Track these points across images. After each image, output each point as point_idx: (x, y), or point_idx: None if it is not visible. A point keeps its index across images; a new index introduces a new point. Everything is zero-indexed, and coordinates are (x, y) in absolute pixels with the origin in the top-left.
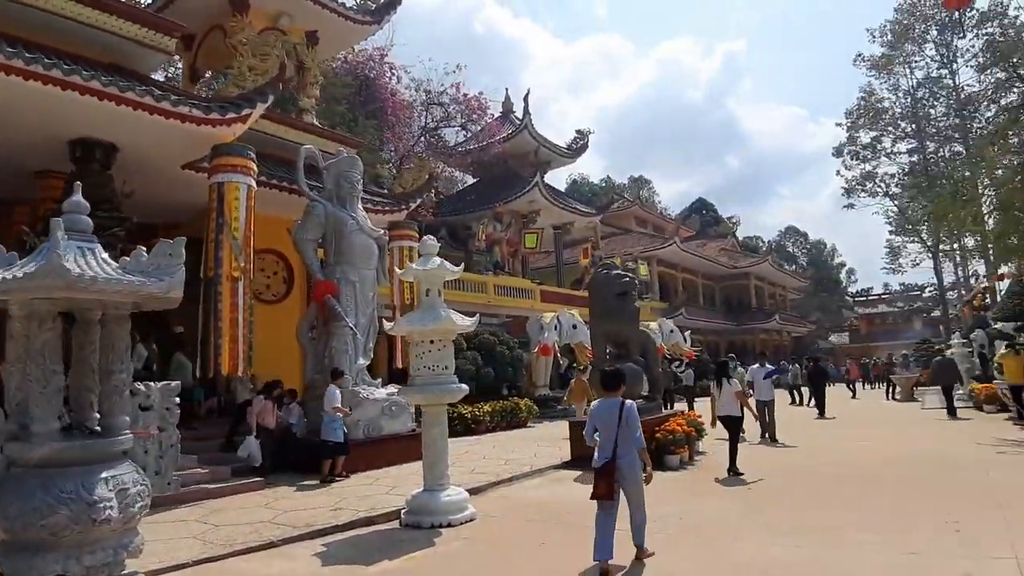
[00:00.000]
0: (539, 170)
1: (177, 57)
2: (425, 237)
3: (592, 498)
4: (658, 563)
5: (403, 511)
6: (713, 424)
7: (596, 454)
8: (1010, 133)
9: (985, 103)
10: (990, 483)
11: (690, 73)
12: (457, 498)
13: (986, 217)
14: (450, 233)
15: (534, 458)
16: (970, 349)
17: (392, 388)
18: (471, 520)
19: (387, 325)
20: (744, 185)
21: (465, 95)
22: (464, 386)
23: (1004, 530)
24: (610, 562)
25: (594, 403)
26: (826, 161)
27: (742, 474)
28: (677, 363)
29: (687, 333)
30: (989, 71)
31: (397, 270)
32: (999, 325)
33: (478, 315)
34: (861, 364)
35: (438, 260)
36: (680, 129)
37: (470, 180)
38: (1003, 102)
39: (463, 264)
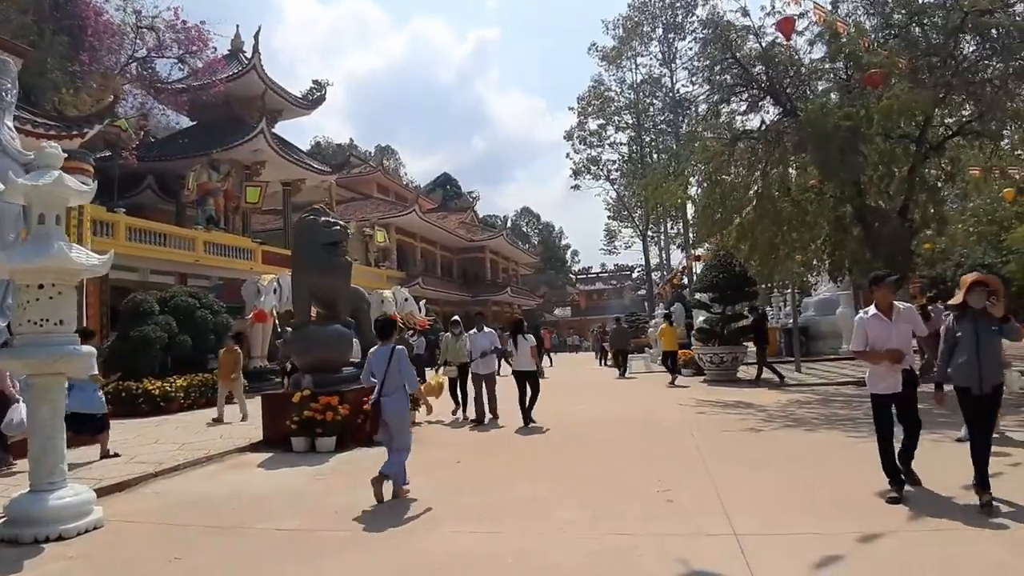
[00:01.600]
0: (268, 118)
1: None
2: (45, 144)
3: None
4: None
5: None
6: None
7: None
8: (721, 109)
9: (697, 102)
10: (695, 445)
11: (443, 53)
12: (74, 500)
13: (695, 190)
14: (159, 182)
15: (219, 439)
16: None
17: None
18: (95, 528)
19: None
20: (487, 166)
21: (184, 23)
22: (90, 349)
23: (714, 497)
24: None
25: (372, 348)
26: (558, 151)
27: (535, 422)
28: (410, 332)
29: (422, 303)
30: (701, 66)
31: None
32: (698, 295)
33: (112, 252)
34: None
35: (57, 174)
36: (430, 107)
37: (188, 124)
38: (718, 80)
39: (175, 218)
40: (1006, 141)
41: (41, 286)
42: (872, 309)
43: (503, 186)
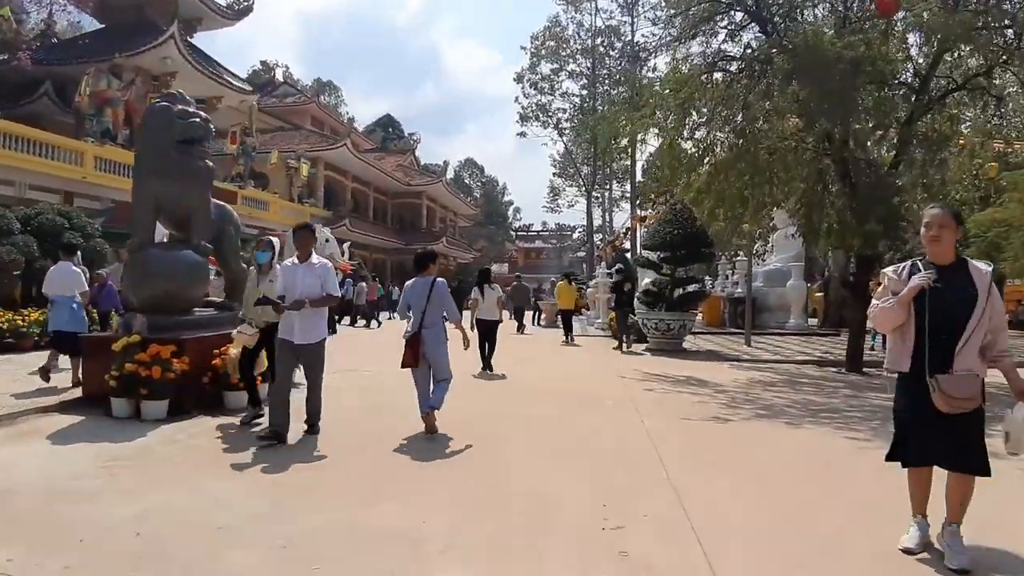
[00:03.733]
0: (183, 25)
1: None
2: None
3: (402, 367)
4: None
5: None
6: (472, 328)
7: (408, 326)
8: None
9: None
10: (648, 438)
11: None
12: None
13: (660, 123)
14: (57, 89)
15: (31, 393)
16: (613, 280)
17: None
18: None
19: None
20: (436, 117)
21: None
22: None
23: (690, 540)
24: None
25: (408, 282)
26: (510, 109)
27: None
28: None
29: (346, 245)
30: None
31: None
32: (645, 253)
33: None
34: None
35: None
36: (382, 50)
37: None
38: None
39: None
40: (1011, 104)
41: None
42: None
43: (451, 138)
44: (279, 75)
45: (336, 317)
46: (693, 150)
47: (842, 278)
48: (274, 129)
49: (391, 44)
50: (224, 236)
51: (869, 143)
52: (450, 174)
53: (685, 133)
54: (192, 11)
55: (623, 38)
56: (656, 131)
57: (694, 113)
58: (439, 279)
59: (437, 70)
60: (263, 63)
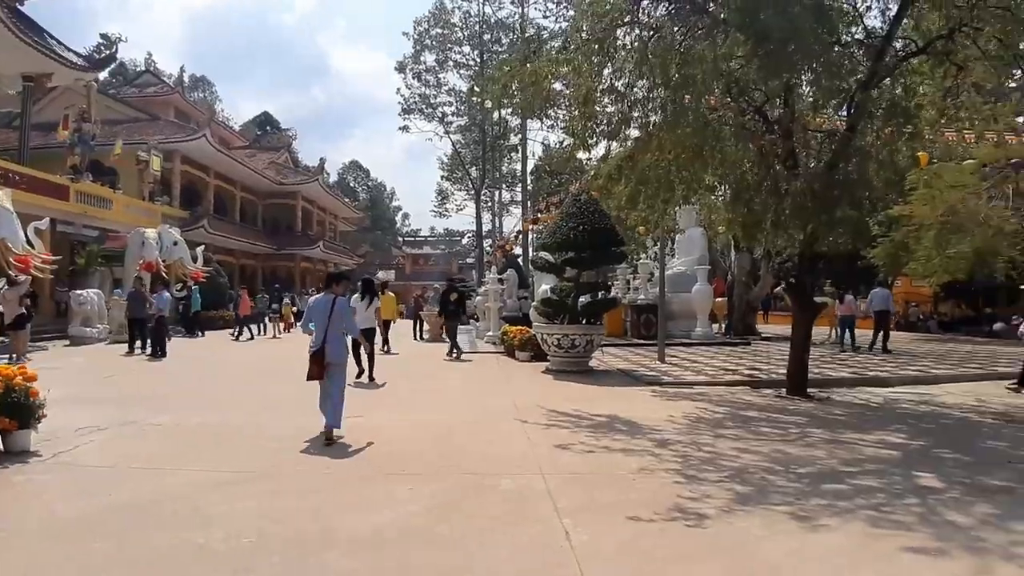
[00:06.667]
0: None
1: None
2: None
3: (308, 379)
4: None
5: None
6: None
7: (312, 342)
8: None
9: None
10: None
11: None
12: None
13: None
14: None
15: None
16: (502, 287)
17: None
18: None
19: None
20: (326, 121)
21: None
22: None
23: None
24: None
25: (311, 298)
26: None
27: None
28: (180, 285)
29: (200, 249)
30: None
31: None
32: (543, 255)
33: None
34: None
35: None
36: (268, 52)
37: None
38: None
39: None
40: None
41: None
42: None
43: (340, 143)
44: (127, 55)
45: (200, 331)
46: (613, 108)
47: (783, 277)
48: (129, 120)
49: (277, 46)
50: None
51: (827, 109)
52: (334, 177)
53: (604, 84)
54: None
55: (513, 32)
56: (565, 80)
57: (618, 55)
58: (340, 297)
59: (325, 74)
60: (103, 36)
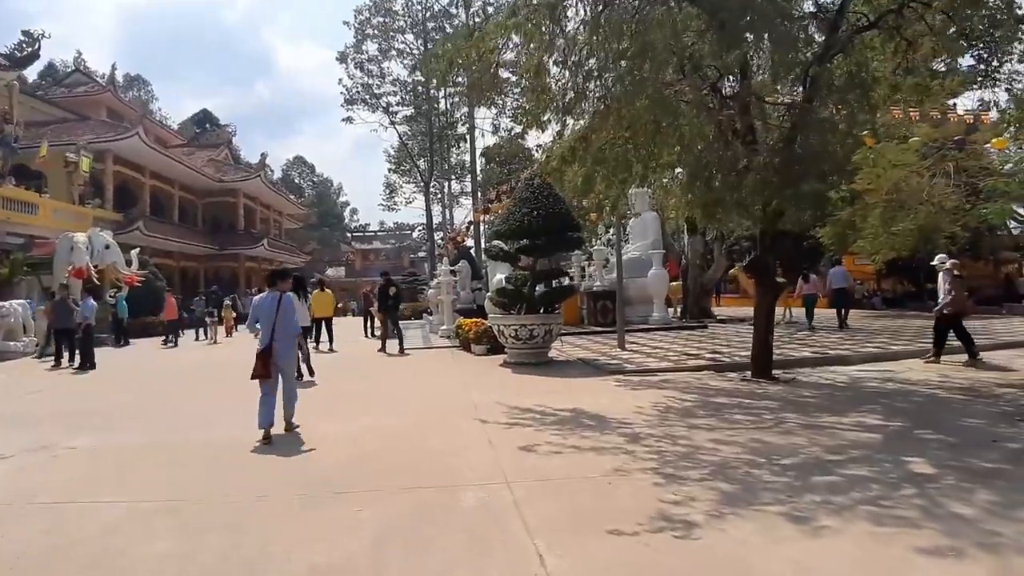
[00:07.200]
0: None
1: None
2: None
3: (253, 378)
4: None
5: None
6: None
7: (259, 340)
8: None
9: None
10: None
11: None
12: None
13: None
14: None
15: None
16: (455, 279)
17: None
18: None
19: None
20: (271, 119)
21: None
22: None
23: None
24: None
25: (256, 297)
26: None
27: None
28: (115, 290)
29: (134, 252)
30: None
31: None
32: (496, 243)
33: None
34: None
35: None
36: (211, 49)
37: None
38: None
39: None
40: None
41: None
42: None
43: (286, 140)
44: (59, 55)
45: (171, 338)
46: (567, 80)
47: (737, 259)
48: (57, 121)
49: (218, 43)
50: None
51: (784, 82)
52: (278, 173)
53: (556, 56)
54: None
55: (457, 18)
56: (514, 52)
57: (570, 24)
58: (287, 294)
59: (270, 70)
60: (25, 33)
